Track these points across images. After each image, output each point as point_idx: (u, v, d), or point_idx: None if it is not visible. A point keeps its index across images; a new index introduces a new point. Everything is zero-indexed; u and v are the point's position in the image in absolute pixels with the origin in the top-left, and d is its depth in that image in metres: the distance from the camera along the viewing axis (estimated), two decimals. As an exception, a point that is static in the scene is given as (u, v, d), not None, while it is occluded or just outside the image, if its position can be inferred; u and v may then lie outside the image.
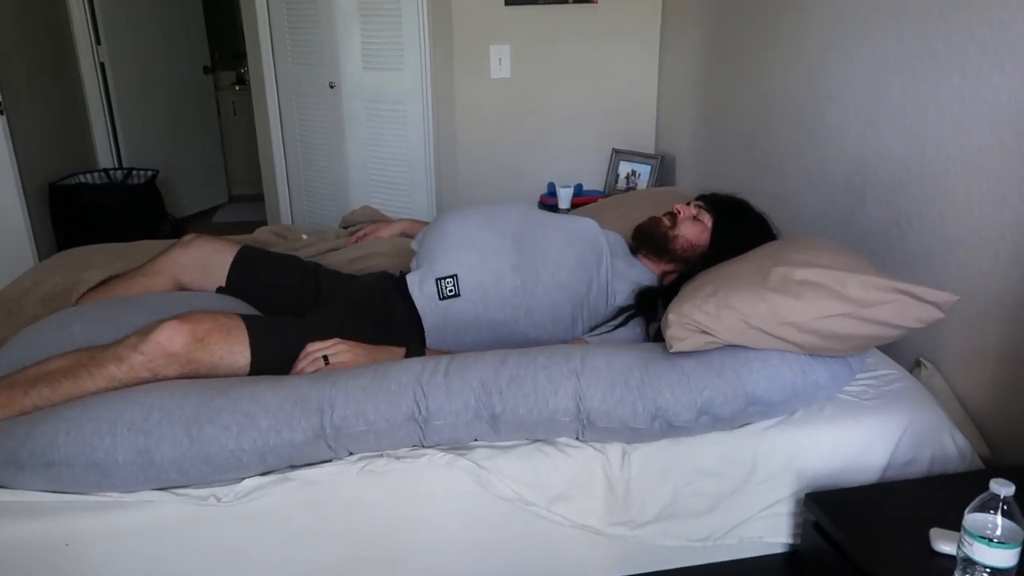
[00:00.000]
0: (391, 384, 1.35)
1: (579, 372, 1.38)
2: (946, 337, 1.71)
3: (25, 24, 3.60)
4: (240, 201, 5.54)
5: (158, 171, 4.29)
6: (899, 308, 1.38)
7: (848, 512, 1.31)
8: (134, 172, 4.22)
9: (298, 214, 3.97)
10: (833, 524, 1.29)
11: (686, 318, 1.43)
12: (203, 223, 5.06)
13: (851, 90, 1.99)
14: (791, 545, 1.51)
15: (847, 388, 1.57)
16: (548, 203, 3.22)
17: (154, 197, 4.24)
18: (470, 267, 1.65)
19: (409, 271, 1.91)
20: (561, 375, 1.38)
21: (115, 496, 1.27)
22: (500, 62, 3.12)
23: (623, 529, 1.42)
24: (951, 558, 1.12)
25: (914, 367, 1.79)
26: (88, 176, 4.03)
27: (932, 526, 1.24)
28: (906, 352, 1.81)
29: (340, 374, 1.38)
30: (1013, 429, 1.55)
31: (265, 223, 4.16)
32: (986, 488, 1.05)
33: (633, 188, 3.25)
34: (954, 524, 1.12)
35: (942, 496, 1.36)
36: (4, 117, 2.97)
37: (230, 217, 5.20)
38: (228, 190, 5.56)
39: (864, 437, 1.48)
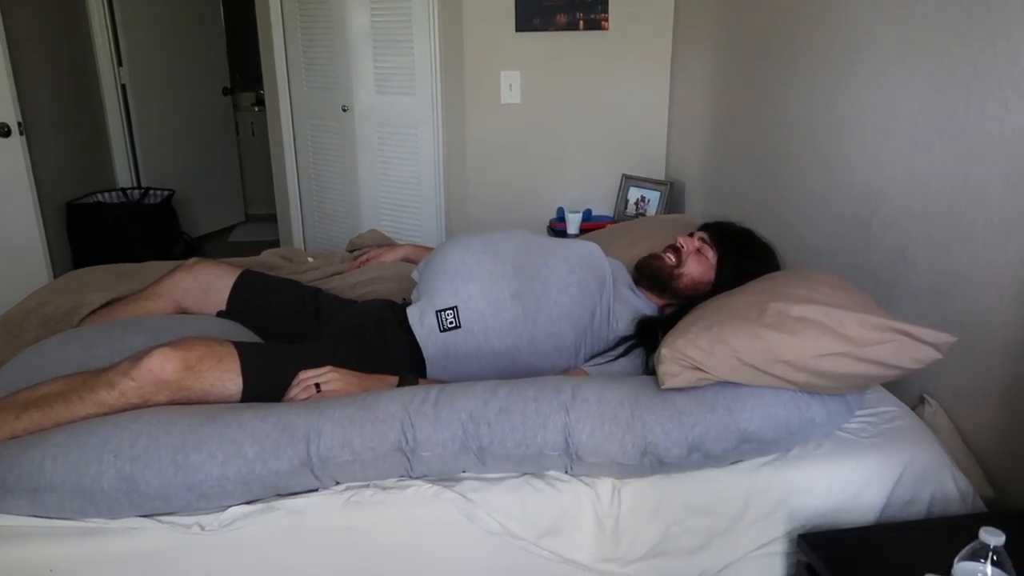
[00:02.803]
0: (378, 413, 1.34)
1: (568, 406, 1.37)
2: (951, 374, 1.67)
3: (48, 46, 3.68)
4: (256, 220, 5.60)
5: (174, 190, 4.35)
6: (896, 348, 1.36)
7: (842, 554, 1.28)
8: (151, 191, 4.28)
9: (310, 235, 4.00)
10: (825, 567, 1.26)
11: (679, 353, 1.41)
12: (219, 242, 5.11)
13: (860, 122, 1.97)
14: (786, 586, 1.48)
15: (845, 425, 1.54)
16: (557, 228, 3.22)
17: (170, 216, 4.30)
18: (469, 297, 1.64)
19: (408, 297, 1.91)
20: (550, 408, 1.36)
21: (100, 522, 1.27)
22: (510, 87, 3.14)
23: (613, 566, 1.39)
24: (944, 607, 1.09)
25: (918, 404, 1.75)
26: (106, 195, 4.09)
27: (928, 571, 1.21)
28: (909, 389, 1.77)
29: (328, 402, 1.38)
30: (1018, 469, 1.51)
31: (279, 243, 4.20)
32: (984, 533, 1.02)
33: (643, 214, 3.24)
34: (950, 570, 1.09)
35: (941, 539, 1.32)
36: (24, 137, 3.03)
37: (246, 236, 5.25)
38: (245, 209, 5.62)
39: (861, 476, 1.45)
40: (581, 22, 3.08)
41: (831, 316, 1.39)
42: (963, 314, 1.62)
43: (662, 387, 1.41)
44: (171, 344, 1.40)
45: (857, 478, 1.45)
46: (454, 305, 1.65)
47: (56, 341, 1.62)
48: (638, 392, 1.42)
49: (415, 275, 1.85)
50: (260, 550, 1.31)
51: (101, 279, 2.21)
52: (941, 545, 1.30)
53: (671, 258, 1.85)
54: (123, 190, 4.25)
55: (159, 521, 1.27)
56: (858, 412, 1.58)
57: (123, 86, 4.39)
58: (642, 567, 1.40)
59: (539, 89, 3.17)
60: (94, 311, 1.85)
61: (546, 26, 3.06)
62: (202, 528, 1.27)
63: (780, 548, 1.44)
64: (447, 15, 3.11)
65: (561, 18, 3.06)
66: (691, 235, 1.90)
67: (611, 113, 3.25)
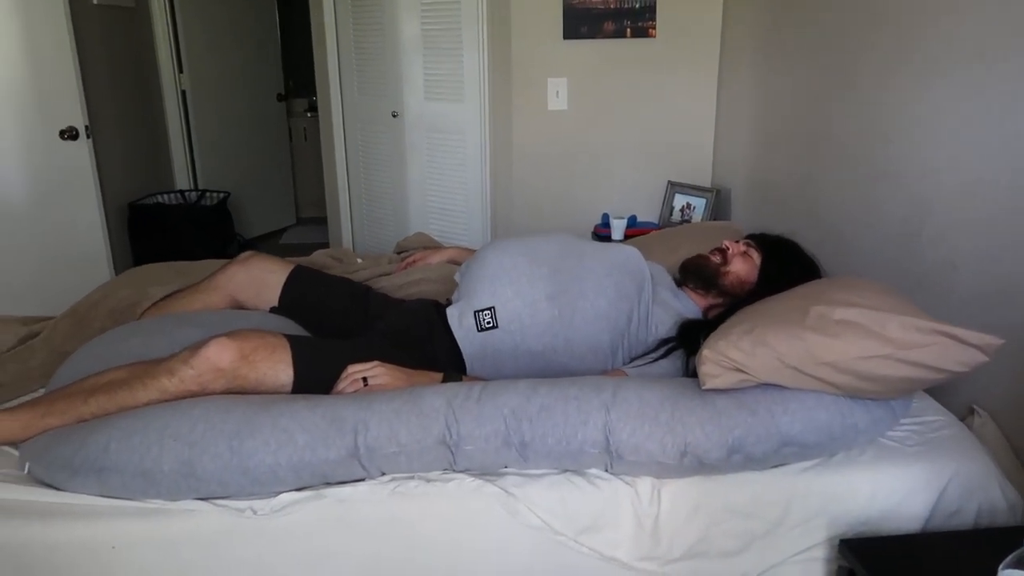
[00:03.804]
0: (424, 408, 1.38)
1: (609, 405, 1.39)
2: (1002, 385, 1.64)
3: (113, 52, 3.84)
4: (307, 223, 5.73)
5: (229, 193, 4.49)
6: (940, 351, 1.34)
7: (885, 561, 1.27)
8: (208, 193, 4.42)
9: (359, 237, 4.08)
10: (867, 573, 1.25)
11: (720, 355, 1.42)
12: (271, 243, 5.24)
13: (909, 131, 1.95)
14: (827, 592, 1.47)
15: (890, 433, 1.53)
16: (602, 234, 3.23)
17: (225, 217, 4.43)
18: (506, 299, 1.68)
19: (451, 298, 1.96)
20: (591, 407, 1.39)
21: (160, 503, 1.33)
22: (557, 94, 3.17)
23: (652, 564, 1.41)
24: (987, 615, 1.08)
25: (967, 415, 1.72)
26: (165, 196, 4.24)
27: (972, 581, 1.20)
28: (959, 399, 1.74)
29: (376, 396, 1.42)
30: (1069, 484, 1.48)
31: (328, 244, 4.30)
32: (1031, 543, 1.01)
33: (688, 221, 3.23)
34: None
35: (986, 549, 1.30)
36: (90, 140, 3.16)
37: (297, 239, 5.38)
38: (296, 212, 5.76)
39: (906, 484, 1.44)
40: (628, 30, 3.10)
41: (874, 319, 1.39)
42: (1016, 325, 1.59)
43: (703, 388, 1.42)
44: (228, 335, 1.46)
45: (902, 486, 1.43)
46: (491, 306, 1.69)
47: (119, 332, 1.70)
48: (679, 393, 1.43)
49: (457, 277, 1.90)
50: (308, 536, 1.35)
51: (160, 275, 2.30)
52: (986, 555, 1.28)
53: (717, 258, 1.86)
54: (181, 192, 4.40)
55: (214, 504, 1.33)
56: (904, 420, 1.56)
57: (183, 92, 4.55)
58: (681, 567, 1.41)
59: (586, 96, 3.19)
60: (154, 304, 1.93)
61: (593, 34, 3.09)
62: (254, 512, 1.33)
63: (821, 554, 1.44)
64: (496, 23, 3.16)
65: (609, 26, 3.08)
66: (736, 241, 1.92)
67: (657, 120, 3.25)
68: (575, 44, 3.10)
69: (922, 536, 1.40)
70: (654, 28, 3.09)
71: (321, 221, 5.18)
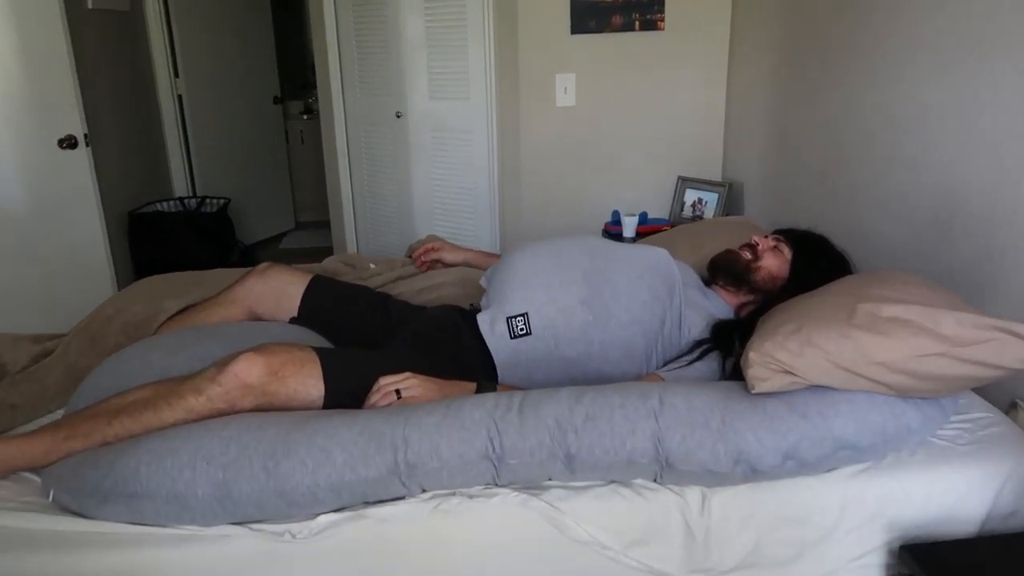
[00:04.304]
0: (465, 421, 1.33)
1: (657, 412, 1.34)
2: (1046, 377, 1.61)
3: (110, 59, 3.76)
4: (306, 227, 5.67)
5: (230, 199, 4.42)
6: (998, 347, 1.30)
7: (949, 566, 1.23)
8: (207, 200, 4.35)
9: (363, 241, 4.02)
10: (930, 579, 1.21)
11: (768, 357, 1.37)
12: (271, 249, 5.18)
13: (937, 118, 1.91)
14: (882, 599, 1.43)
15: (940, 432, 1.49)
16: (612, 231, 3.18)
17: (226, 224, 4.36)
18: (540, 304, 1.63)
19: (477, 303, 1.90)
20: (638, 415, 1.34)
21: (194, 529, 1.27)
22: (565, 90, 3.12)
23: (702, 576, 1.36)
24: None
25: (1009, 409, 1.68)
26: (164, 204, 4.17)
27: (1041, 586, 1.16)
28: (1000, 393, 1.70)
29: (413, 410, 1.37)
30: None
31: (330, 248, 4.24)
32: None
33: (700, 216, 3.19)
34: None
35: (1052, 552, 1.27)
36: (89, 148, 3.09)
37: (297, 243, 5.31)
38: (295, 217, 5.69)
39: (961, 486, 1.39)
40: (637, 23, 3.05)
41: (926, 315, 1.34)
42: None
43: (752, 392, 1.38)
44: (255, 350, 1.41)
45: (956, 488, 1.39)
46: (524, 312, 1.63)
47: (138, 348, 1.64)
48: (727, 398, 1.39)
49: (483, 282, 1.84)
50: (349, 558, 1.30)
51: (172, 286, 2.23)
52: (1053, 558, 1.25)
53: (748, 254, 1.82)
54: (180, 199, 4.33)
55: (250, 528, 1.28)
56: (951, 419, 1.52)
57: (179, 96, 4.47)
58: (733, 578, 1.37)
59: (594, 91, 3.14)
60: (169, 318, 1.87)
61: (601, 28, 3.04)
62: (293, 536, 1.27)
63: (876, 560, 1.40)
64: (502, 19, 3.11)
65: (617, 19, 3.03)
66: (765, 236, 1.88)
67: (667, 114, 3.21)
68: (583, 39, 3.05)
69: (983, 539, 1.36)
70: (663, 20, 3.05)
71: (321, 225, 5.11)
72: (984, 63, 1.74)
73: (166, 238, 3.93)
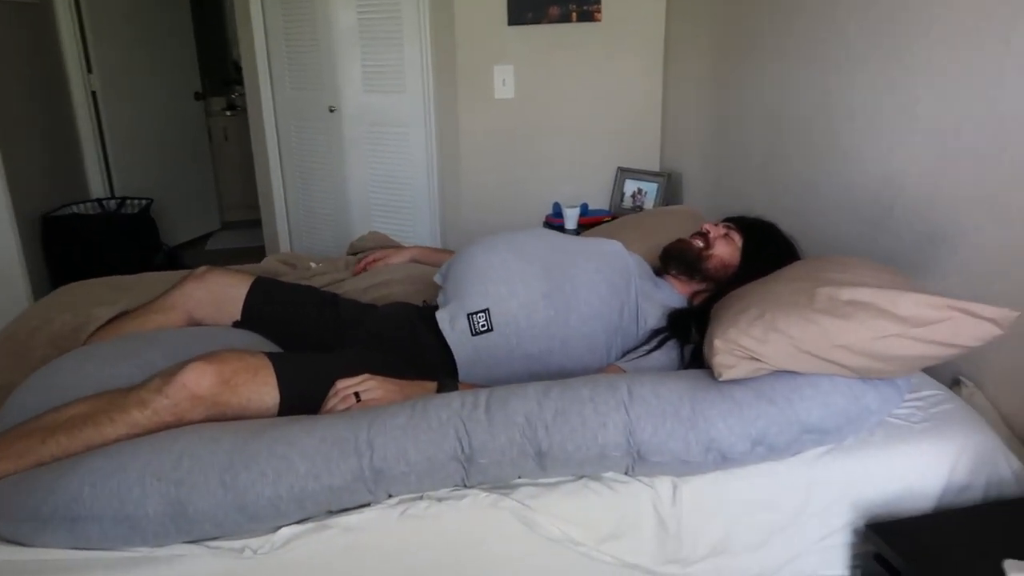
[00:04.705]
0: (432, 422, 1.28)
1: (627, 404, 1.32)
2: (985, 354, 1.66)
3: (16, 54, 3.53)
4: (233, 227, 5.47)
5: (152, 200, 4.22)
6: (955, 326, 1.33)
7: (912, 542, 1.26)
8: (128, 201, 4.14)
9: (296, 240, 3.90)
10: (898, 555, 1.24)
11: (733, 344, 1.38)
12: (197, 250, 4.97)
13: (876, 107, 1.96)
14: (845, 577, 1.45)
15: (895, 411, 1.52)
16: (554, 223, 3.17)
17: (149, 226, 4.16)
18: (501, 299, 1.59)
19: (429, 300, 1.85)
20: (609, 407, 1.32)
21: (145, 551, 1.19)
22: (504, 82, 3.09)
23: (675, 568, 1.35)
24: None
25: (952, 385, 1.74)
26: (81, 206, 3.94)
27: (1000, 554, 1.19)
28: (942, 370, 1.76)
29: (376, 412, 1.31)
30: (1065, 448, 1.51)
31: (261, 248, 4.10)
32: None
33: (640, 207, 3.21)
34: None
35: (1008, 523, 1.31)
36: (-3, 149, 2.90)
37: (224, 244, 5.12)
38: (221, 216, 5.48)
39: (918, 463, 1.43)
40: (574, 14, 3.04)
41: (884, 297, 1.37)
42: (1000, 295, 1.61)
43: (719, 379, 1.37)
44: (205, 358, 1.32)
45: (915, 465, 1.43)
46: (485, 308, 1.59)
47: (71, 359, 1.52)
48: (694, 387, 1.38)
49: (438, 278, 1.79)
50: (314, 571, 1.24)
51: (98, 293, 2.10)
52: (1009, 528, 1.29)
53: (699, 242, 1.83)
54: (99, 201, 4.10)
55: (207, 547, 1.20)
56: (906, 396, 1.56)
57: (93, 93, 4.23)
58: (705, 567, 1.37)
59: (533, 83, 3.12)
60: (101, 327, 1.75)
61: (539, 19, 3.01)
62: (253, 552, 1.20)
63: (841, 540, 1.42)
64: (438, 9, 3.05)
65: (554, 11, 3.02)
66: (716, 224, 1.89)
67: (605, 105, 3.21)
68: (520, 30, 3.02)
69: (943, 513, 1.40)
70: (599, 11, 3.05)
71: (250, 224, 4.94)
72: (922, 50, 1.79)
73: (84, 242, 3.72)
